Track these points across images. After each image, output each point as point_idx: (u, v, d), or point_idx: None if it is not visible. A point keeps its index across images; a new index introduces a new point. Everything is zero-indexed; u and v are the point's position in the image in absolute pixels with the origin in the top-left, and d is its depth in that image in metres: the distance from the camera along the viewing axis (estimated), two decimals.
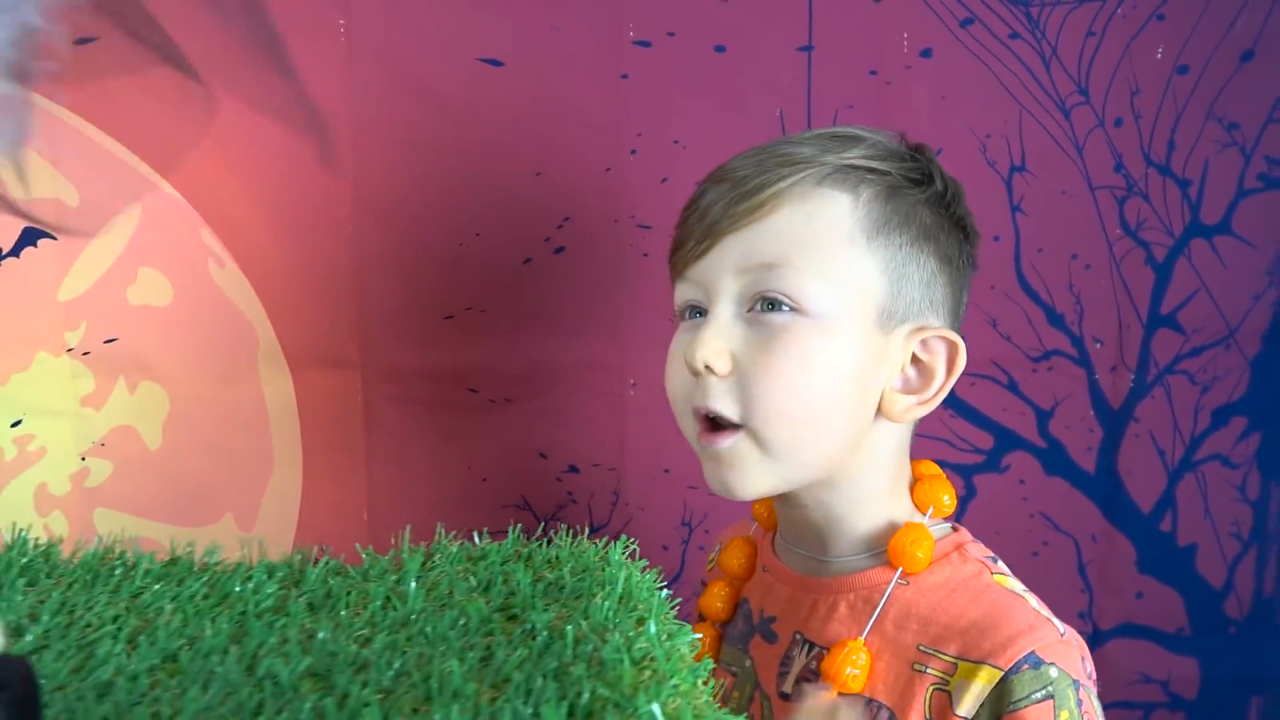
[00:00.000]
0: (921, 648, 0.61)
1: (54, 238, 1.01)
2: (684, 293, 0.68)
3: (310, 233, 1.03)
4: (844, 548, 0.66)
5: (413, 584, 0.39)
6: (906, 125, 1.11)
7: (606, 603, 0.36)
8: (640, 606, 0.36)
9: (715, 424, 0.64)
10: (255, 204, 1.02)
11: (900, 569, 0.63)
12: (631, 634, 0.33)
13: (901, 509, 0.67)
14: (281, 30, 0.97)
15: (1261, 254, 1.18)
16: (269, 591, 0.40)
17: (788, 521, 0.71)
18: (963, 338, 0.67)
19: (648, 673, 0.31)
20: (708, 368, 0.62)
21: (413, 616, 0.35)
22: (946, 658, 0.60)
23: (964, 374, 0.65)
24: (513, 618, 0.36)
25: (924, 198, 0.66)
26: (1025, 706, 0.57)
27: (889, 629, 0.63)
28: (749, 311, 0.63)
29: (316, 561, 0.45)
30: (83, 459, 1.03)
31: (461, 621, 0.35)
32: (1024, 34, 1.14)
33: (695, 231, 0.66)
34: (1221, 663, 1.20)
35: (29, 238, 1.01)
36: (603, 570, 0.39)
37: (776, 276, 0.62)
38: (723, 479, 0.64)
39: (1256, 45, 1.15)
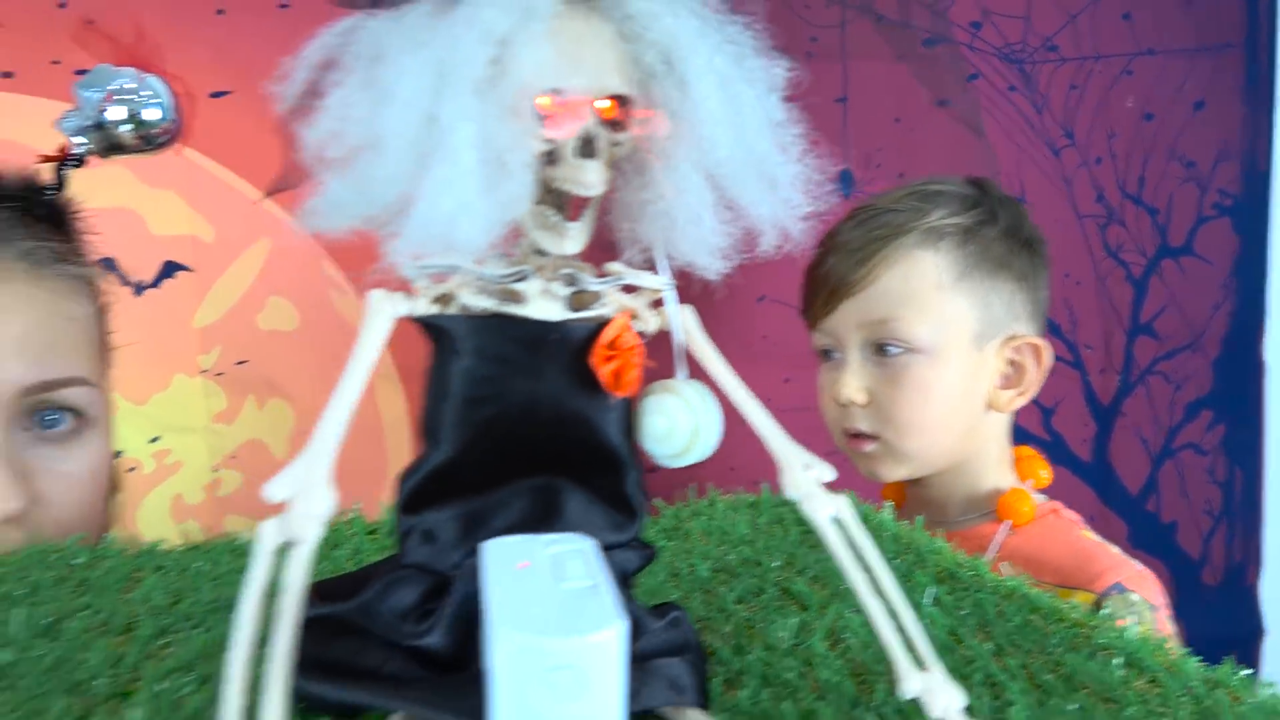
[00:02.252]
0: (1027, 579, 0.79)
1: (190, 270, 1.11)
2: (818, 340, 0.86)
3: None
4: (959, 511, 0.83)
5: (739, 519, 0.52)
6: (926, 165, 1.30)
7: (891, 523, 0.51)
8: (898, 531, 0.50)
9: (859, 434, 0.84)
10: (371, 238, 1.14)
11: (1010, 521, 0.80)
12: (925, 542, 0.48)
13: (1006, 479, 0.84)
14: None
15: (1218, 271, 1.39)
16: None
17: (915, 497, 0.88)
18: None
19: (958, 559, 0.46)
20: (851, 401, 0.82)
21: (748, 540, 0.49)
22: (1048, 586, 0.77)
23: None
24: (814, 538, 0.50)
25: (994, 234, 0.84)
26: None
27: (998, 569, 0.81)
28: (874, 354, 0.82)
29: None
30: (215, 471, 1.12)
31: (789, 539, 0.49)
32: (1020, 87, 1.34)
33: (820, 295, 0.85)
34: (1201, 625, 1.39)
35: (168, 270, 1.11)
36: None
37: (889, 328, 0.81)
38: (870, 469, 0.84)
39: (1206, 97, 1.37)
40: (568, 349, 0.31)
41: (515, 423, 0.31)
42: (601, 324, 0.31)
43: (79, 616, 0.41)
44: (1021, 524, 0.80)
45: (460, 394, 0.31)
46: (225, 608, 0.43)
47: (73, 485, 0.57)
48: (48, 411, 0.56)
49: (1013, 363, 0.83)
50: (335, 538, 0.52)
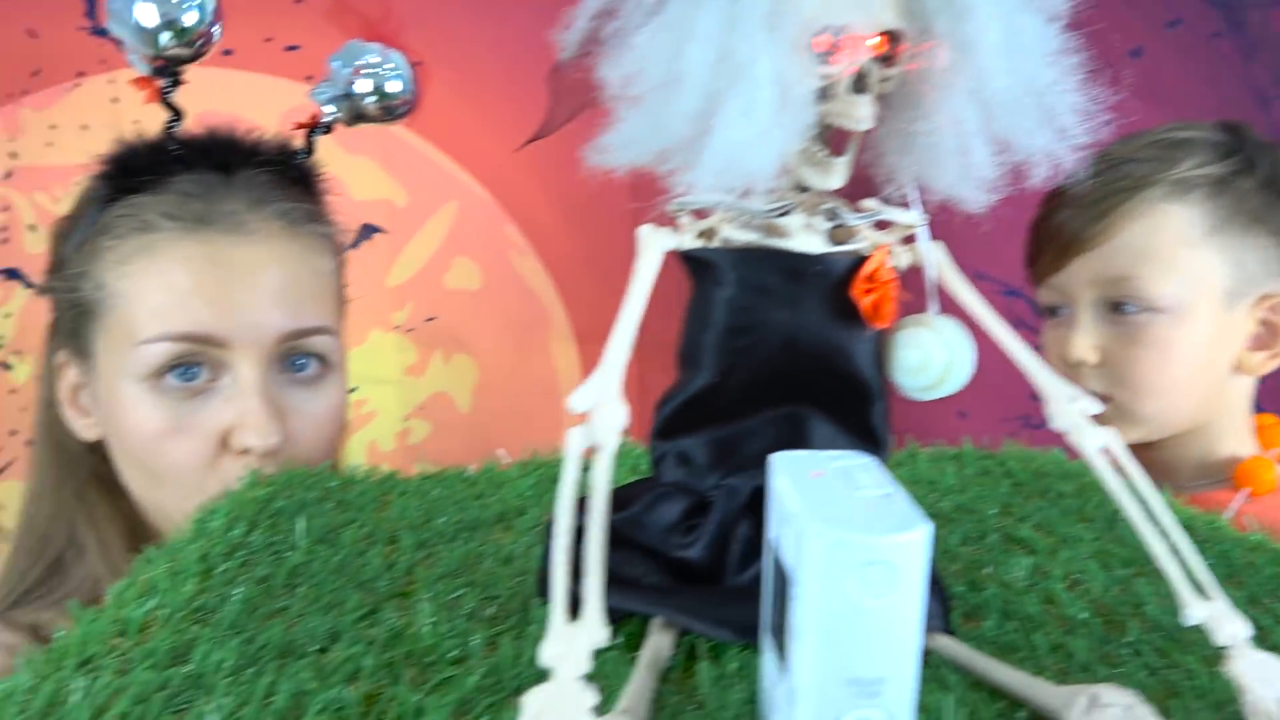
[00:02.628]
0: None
1: (385, 232, 1.18)
2: (1046, 296, 0.82)
3: (595, 228, 1.18)
4: (1191, 477, 0.78)
5: (945, 470, 0.53)
6: (1117, 120, 1.23)
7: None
8: None
9: None
10: (551, 203, 1.18)
11: (1248, 489, 0.75)
12: None
13: (1245, 447, 0.79)
14: None
15: None
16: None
17: (1142, 459, 0.83)
18: None
19: (1191, 512, 0.45)
20: (1081, 361, 0.78)
21: (958, 490, 0.49)
22: None
23: None
24: (1028, 490, 0.50)
25: (1250, 185, 0.77)
26: None
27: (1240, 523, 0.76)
28: (1108, 312, 0.77)
29: None
30: (406, 420, 1.20)
31: (1000, 490, 0.50)
32: (1226, 33, 1.24)
33: (1050, 249, 0.80)
34: None
35: (366, 233, 1.18)
36: (1062, 463, 0.53)
37: (1129, 286, 0.76)
38: None
39: None
40: (827, 281, 0.32)
41: (772, 351, 0.33)
42: (860, 258, 0.32)
43: (348, 529, 0.46)
44: (1261, 493, 0.75)
45: (722, 323, 0.33)
46: (470, 527, 0.47)
47: (318, 424, 0.63)
48: (298, 357, 0.62)
49: (1265, 323, 0.77)
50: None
